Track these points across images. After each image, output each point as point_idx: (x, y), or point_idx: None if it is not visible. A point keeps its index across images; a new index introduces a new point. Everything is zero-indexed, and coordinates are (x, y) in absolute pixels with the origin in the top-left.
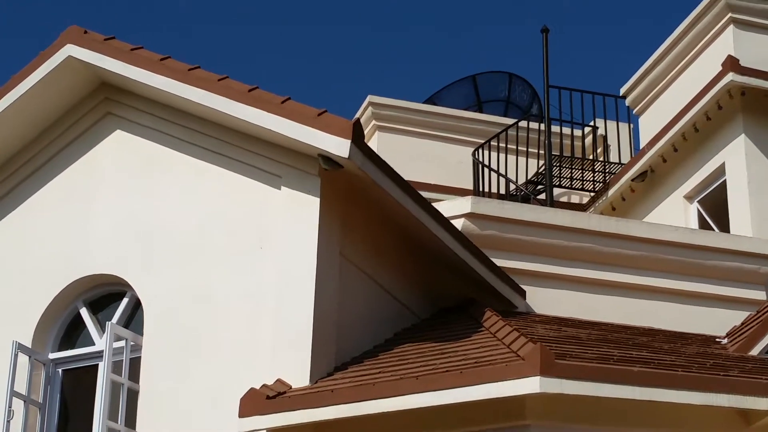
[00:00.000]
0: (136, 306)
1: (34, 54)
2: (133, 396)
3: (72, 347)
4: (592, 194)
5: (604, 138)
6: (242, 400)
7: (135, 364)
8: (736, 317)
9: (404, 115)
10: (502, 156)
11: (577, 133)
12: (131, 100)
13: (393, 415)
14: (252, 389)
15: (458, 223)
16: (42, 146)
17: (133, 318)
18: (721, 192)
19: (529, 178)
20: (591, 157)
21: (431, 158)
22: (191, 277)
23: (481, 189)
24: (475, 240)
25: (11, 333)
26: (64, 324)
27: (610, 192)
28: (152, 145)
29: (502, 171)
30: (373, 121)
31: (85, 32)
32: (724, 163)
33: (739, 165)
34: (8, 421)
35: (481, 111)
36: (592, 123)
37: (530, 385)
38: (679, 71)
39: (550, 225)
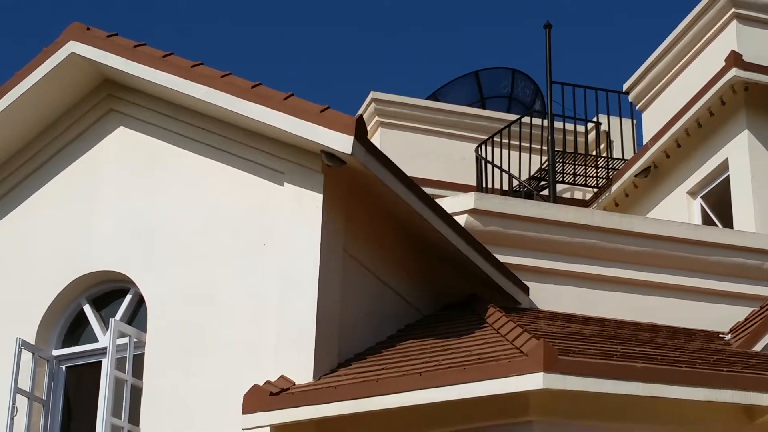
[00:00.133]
0: (139, 303)
1: (37, 51)
2: (136, 393)
3: (75, 344)
4: (596, 190)
5: (607, 134)
6: (245, 396)
7: (138, 361)
8: (740, 313)
9: (407, 111)
10: (505, 152)
11: (580, 129)
12: (134, 96)
13: (396, 411)
14: (255, 386)
15: (461, 219)
16: (45, 143)
17: (137, 315)
18: (725, 188)
19: (532, 174)
20: (594, 153)
21: (434, 154)
22: (194, 273)
23: (484, 185)
24: (478, 236)
25: (15, 330)
26: (68, 321)
27: (614, 188)
28: (155, 142)
29: (505, 167)
30: (376, 118)
31: (88, 29)
32: (727, 159)
33: (743, 161)
34: (12, 418)
35: (484, 107)
36: (595, 119)
37: (533, 381)
38: (683, 67)
39: (554, 221)
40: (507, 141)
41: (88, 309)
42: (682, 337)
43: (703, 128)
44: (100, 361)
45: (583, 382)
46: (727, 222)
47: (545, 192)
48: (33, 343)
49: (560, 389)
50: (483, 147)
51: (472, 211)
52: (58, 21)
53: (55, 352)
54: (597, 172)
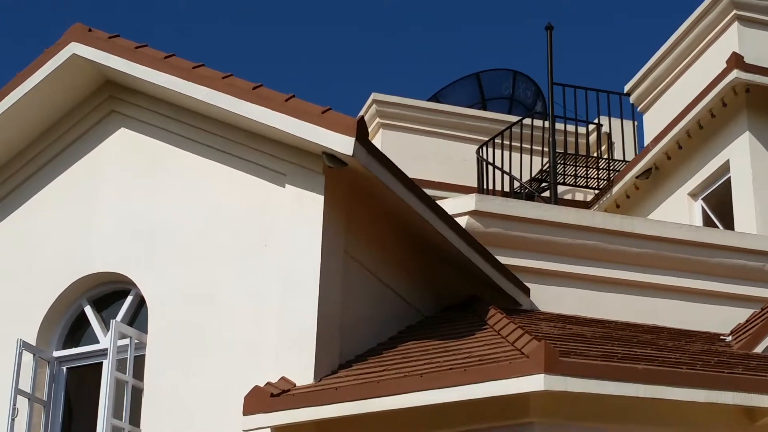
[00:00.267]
0: (140, 304)
1: (38, 53)
2: (137, 394)
3: (76, 345)
4: (597, 192)
5: (609, 135)
6: (246, 398)
7: (139, 362)
8: (741, 315)
9: (408, 112)
10: (506, 153)
11: (582, 130)
12: (135, 98)
13: (397, 413)
14: (256, 387)
15: (462, 221)
16: (46, 144)
17: (138, 316)
18: (726, 189)
19: (533, 175)
20: (595, 154)
21: (435, 156)
22: (195, 274)
23: (485, 186)
24: (480, 237)
25: (16, 331)
26: (69, 322)
27: (615, 189)
28: (156, 143)
29: (506, 168)
30: (377, 119)
31: (90, 30)
32: (728, 161)
33: (744, 162)
34: (13, 419)
35: (485, 108)
36: (596, 120)
37: (534, 382)
38: (684, 68)
39: (555, 222)
40: (508, 142)
41: (89, 310)
42: (683, 338)
43: (705, 130)
44: (101, 362)
45: (584, 383)
46: (728, 224)
47: (546, 193)
48: (34, 344)
49: (561, 391)
50: (484, 148)
51: (473, 213)
52: (59, 22)
53: (56, 353)
54: (598, 174)
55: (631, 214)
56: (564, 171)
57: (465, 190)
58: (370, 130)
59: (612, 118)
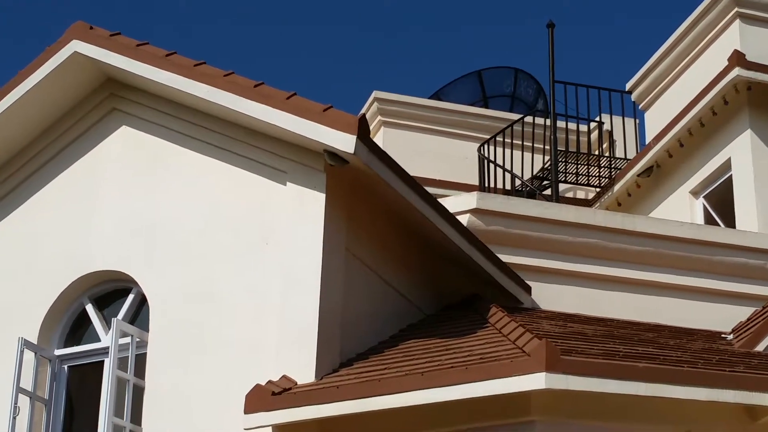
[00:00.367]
0: (141, 302)
1: (39, 51)
2: (138, 392)
3: (78, 344)
4: (598, 190)
5: (610, 133)
6: (247, 396)
7: (141, 361)
8: (742, 313)
9: (410, 110)
10: (507, 151)
11: (583, 128)
12: (137, 95)
13: (398, 411)
14: (257, 385)
15: (464, 219)
16: (48, 142)
17: (139, 314)
18: (727, 187)
19: (534, 173)
20: (597, 152)
21: (437, 154)
22: (197, 272)
23: (486, 184)
24: (481, 235)
25: (17, 329)
26: (70, 320)
27: (616, 187)
28: (157, 141)
29: (507, 166)
30: (379, 117)
31: (91, 28)
32: (730, 159)
33: (745, 160)
34: (14, 418)
35: (486, 106)
36: (597, 118)
37: (535, 381)
38: (685, 66)
39: (556, 220)
40: (509, 140)
41: (90, 308)
42: (685, 337)
43: (706, 128)
44: (103, 361)
45: (586, 382)
46: (730, 222)
47: (548, 191)
48: (35, 342)
49: (562, 389)
50: (485, 146)
51: (474, 211)
52: (60, 20)
53: (58, 352)
54: (599, 172)
55: (632, 212)
56: (565, 169)
57: (466, 188)
58: (371, 128)
59: (613, 116)
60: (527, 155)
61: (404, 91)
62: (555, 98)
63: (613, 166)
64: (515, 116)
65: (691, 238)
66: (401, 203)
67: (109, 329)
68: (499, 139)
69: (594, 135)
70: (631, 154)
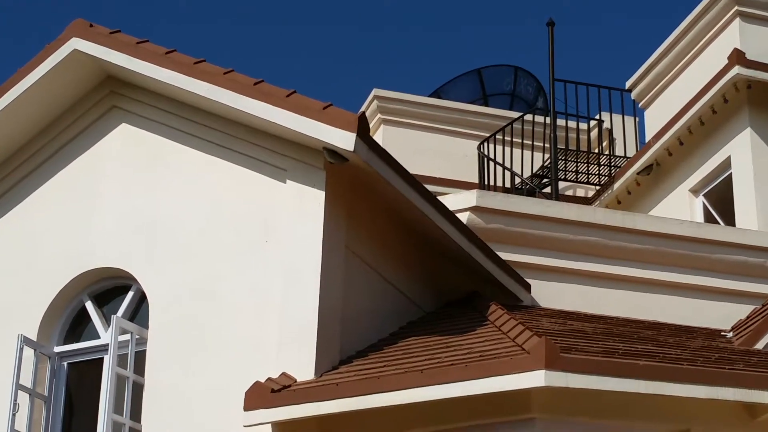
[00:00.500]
0: (141, 299)
1: (39, 49)
2: (138, 389)
3: (77, 340)
4: (598, 188)
5: (610, 131)
6: (247, 393)
7: (140, 358)
8: (742, 311)
9: (409, 108)
10: (507, 149)
11: (583, 126)
12: (137, 93)
13: (397, 408)
14: (257, 383)
15: (463, 217)
16: (48, 139)
17: (139, 311)
18: (727, 185)
19: (534, 171)
20: (596, 150)
21: (436, 152)
22: (196, 270)
23: (486, 182)
24: (481, 233)
25: (17, 326)
26: (70, 317)
27: (616, 185)
28: (158, 139)
29: (507, 164)
30: (379, 115)
31: (91, 26)
32: (729, 157)
33: (745, 158)
34: (14, 415)
35: (486, 104)
36: (597, 116)
37: (535, 378)
38: (685, 64)
39: (556, 218)
40: (509, 138)
41: (90, 306)
42: (684, 334)
43: (706, 126)
44: (102, 358)
45: (585, 379)
46: (730, 220)
47: (547, 189)
48: (35, 339)
49: (562, 387)
50: (485, 144)
51: (474, 209)
52: (60, 18)
53: (57, 349)
54: (599, 170)
55: (632, 211)
56: (565, 167)
57: (466, 186)
58: (371, 126)
59: (613, 115)
60: (527, 153)
61: (404, 89)
62: (555, 96)
63: (612, 164)
64: (515, 114)
65: (690, 236)
66: (401, 201)
67: (109, 326)
68: (499, 137)
69: (594, 133)
70: (631, 152)
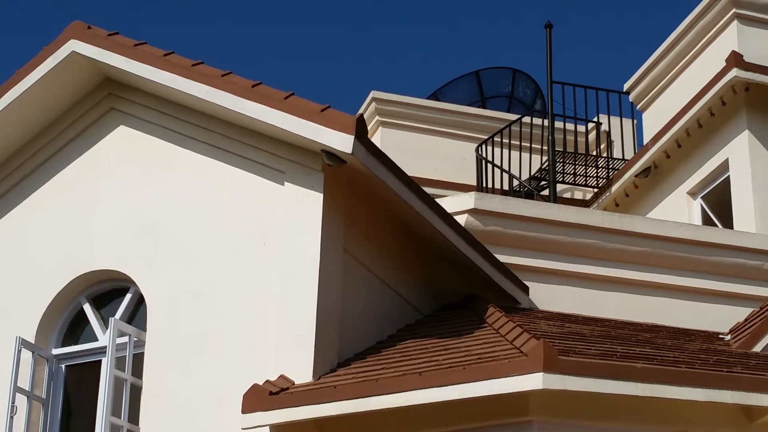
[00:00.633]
0: (139, 302)
1: (37, 50)
2: (136, 392)
3: (75, 343)
4: (596, 190)
5: (608, 134)
6: (245, 396)
7: (138, 360)
8: (740, 314)
9: (407, 110)
10: (505, 152)
11: (581, 129)
12: (135, 95)
13: (396, 411)
14: (255, 385)
15: (461, 219)
16: (46, 142)
17: (136, 314)
18: (725, 188)
19: (532, 174)
20: (594, 153)
21: (435, 154)
22: (194, 272)
23: (484, 185)
24: (479, 236)
25: (14, 329)
26: (68, 320)
27: (614, 188)
28: (156, 141)
29: (505, 167)
30: (377, 117)
31: (89, 28)
32: (727, 159)
33: (743, 161)
34: (11, 417)
35: (484, 107)
36: (595, 119)
37: (533, 381)
38: (683, 67)
39: (554, 221)
40: (507, 141)
41: (87, 308)
42: (682, 337)
43: (704, 128)
44: (100, 360)
45: (583, 382)
46: (728, 222)
47: (545, 192)
48: (33, 341)
49: (560, 389)
50: (483, 147)
51: (472, 211)
52: (59, 20)
53: (55, 351)
54: (597, 172)
55: (630, 213)
56: (563, 169)
57: (464, 188)
58: (369, 128)
59: (611, 117)
60: (525, 155)
61: (402, 92)
62: (553, 99)
63: (610, 166)
64: (513, 117)
65: (688, 238)
66: (399, 203)
67: (107, 329)
68: (497, 139)
69: (592, 135)
70: (629, 154)
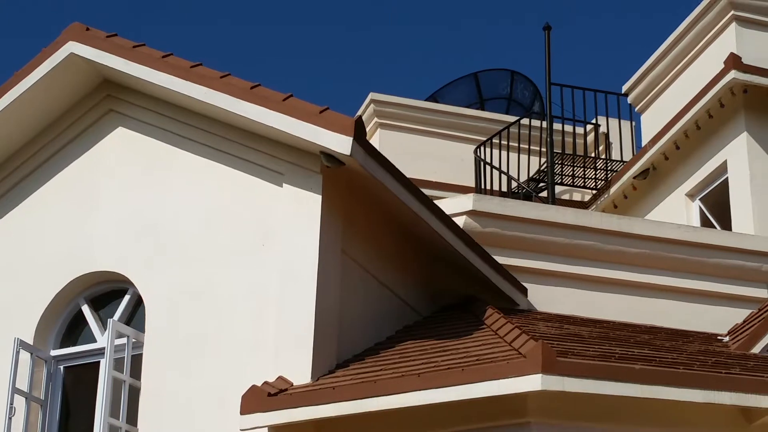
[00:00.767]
0: (137, 303)
1: (36, 52)
2: (134, 393)
3: (74, 344)
4: (594, 192)
5: (606, 135)
6: (244, 397)
7: (136, 361)
8: (738, 315)
9: (406, 112)
10: (504, 153)
11: (579, 130)
12: (133, 97)
13: (394, 412)
14: (253, 386)
15: (460, 221)
16: (44, 143)
17: (135, 315)
18: (723, 190)
19: (531, 175)
20: (593, 154)
21: (433, 156)
22: (193, 274)
23: (482, 186)
24: (477, 237)
25: (13, 330)
26: (66, 321)
27: (612, 190)
28: (154, 143)
29: (504, 168)
30: (375, 119)
31: (88, 29)
32: (726, 161)
33: (741, 163)
34: (10, 418)
35: (483, 108)
36: (594, 120)
37: (532, 382)
38: (682, 69)
39: (552, 222)
40: (506, 142)
41: (86, 309)
42: (681, 338)
43: (702, 130)
44: (98, 362)
45: (582, 383)
46: (726, 224)
47: (544, 194)
48: (31, 343)
49: (558, 391)
50: (482, 148)
51: (470, 213)
52: (58, 21)
53: (53, 353)
54: (596, 174)
55: (628, 215)
56: (562, 171)
57: (463, 189)
58: (367, 129)
59: (610, 119)
60: (523, 157)
61: (401, 93)
62: (551, 100)
63: (609, 168)
64: (512, 118)
65: (687, 240)
66: (397, 205)
67: (105, 330)
68: (496, 141)
69: (590, 137)
70: (627, 156)
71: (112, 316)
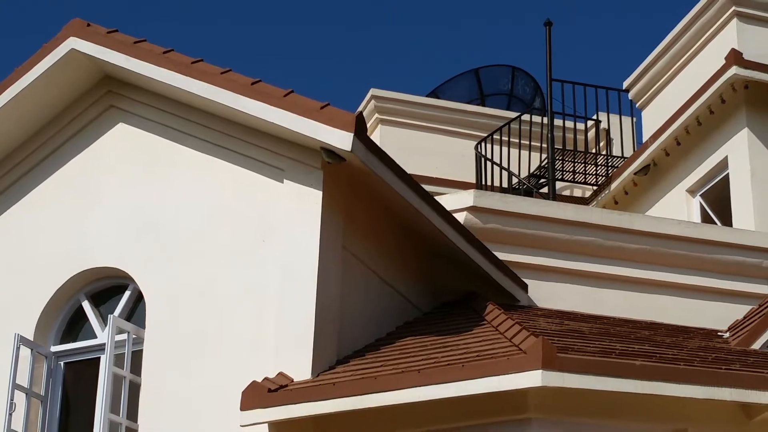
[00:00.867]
0: (138, 299)
1: (37, 48)
2: (134, 389)
3: (74, 340)
4: (595, 188)
5: (607, 131)
6: (244, 393)
7: (137, 357)
8: (738, 311)
9: (407, 108)
10: (504, 149)
11: (580, 126)
12: (134, 93)
13: (394, 408)
14: (254, 382)
15: (461, 217)
16: (45, 139)
17: (135, 311)
18: (724, 186)
19: (531, 171)
20: (594, 150)
21: (434, 152)
22: (194, 269)
23: (483, 182)
24: (478, 233)
25: (13, 326)
26: (66, 317)
27: (613, 185)
28: (155, 138)
29: (504, 164)
30: (376, 115)
31: (88, 25)
32: (726, 157)
33: (742, 159)
34: (10, 414)
35: (483, 104)
36: (594, 116)
37: (532, 378)
38: (683, 65)
39: (553, 218)
40: (507, 138)
41: (86, 305)
42: (681, 334)
43: (703, 126)
44: (99, 358)
45: (582, 379)
46: (727, 220)
47: (545, 189)
48: (31, 339)
49: (559, 387)
50: (483, 144)
51: (471, 209)
52: (58, 17)
53: (54, 348)
54: (596, 170)
55: (629, 211)
56: (562, 167)
57: (463, 185)
58: (368, 125)
59: (610, 115)
60: (524, 153)
61: (402, 89)
62: (552, 96)
63: (610, 164)
64: (512, 114)
65: (687, 236)
66: (398, 201)
67: (106, 326)
68: (497, 137)
69: (591, 133)
70: (628, 152)
71: (112, 312)
